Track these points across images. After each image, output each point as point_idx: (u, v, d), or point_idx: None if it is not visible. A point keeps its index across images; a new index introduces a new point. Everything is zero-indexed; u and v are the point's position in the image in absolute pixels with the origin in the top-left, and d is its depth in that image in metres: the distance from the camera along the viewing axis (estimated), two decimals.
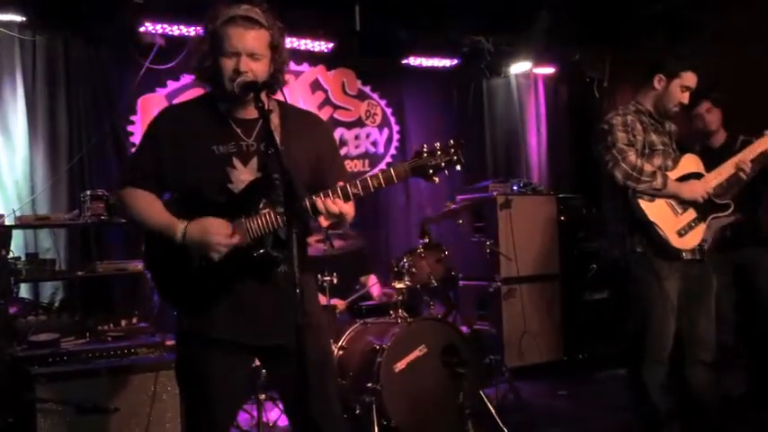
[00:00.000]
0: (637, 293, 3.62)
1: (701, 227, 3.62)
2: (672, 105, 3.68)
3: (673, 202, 3.59)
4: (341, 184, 2.37)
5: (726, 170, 3.70)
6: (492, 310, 6.09)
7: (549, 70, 7.44)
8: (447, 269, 4.96)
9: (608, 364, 6.00)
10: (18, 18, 5.07)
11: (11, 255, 4.67)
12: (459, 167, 2.40)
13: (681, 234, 3.56)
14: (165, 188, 2.52)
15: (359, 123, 6.70)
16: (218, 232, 2.35)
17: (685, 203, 3.60)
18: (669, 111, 3.71)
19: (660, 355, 3.57)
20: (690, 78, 3.66)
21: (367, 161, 6.70)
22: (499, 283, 5.79)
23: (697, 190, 3.59)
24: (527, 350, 6.05)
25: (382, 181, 2.36)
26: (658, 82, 3.68)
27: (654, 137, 3.66)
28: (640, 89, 3.78)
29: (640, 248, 3.56)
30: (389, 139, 6.84)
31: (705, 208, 3.63)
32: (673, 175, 3.62)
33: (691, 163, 3.72)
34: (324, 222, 2.35)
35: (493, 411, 4.42)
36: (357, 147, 6.67)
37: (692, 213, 3.61)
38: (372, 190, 2.37)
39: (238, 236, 2.36)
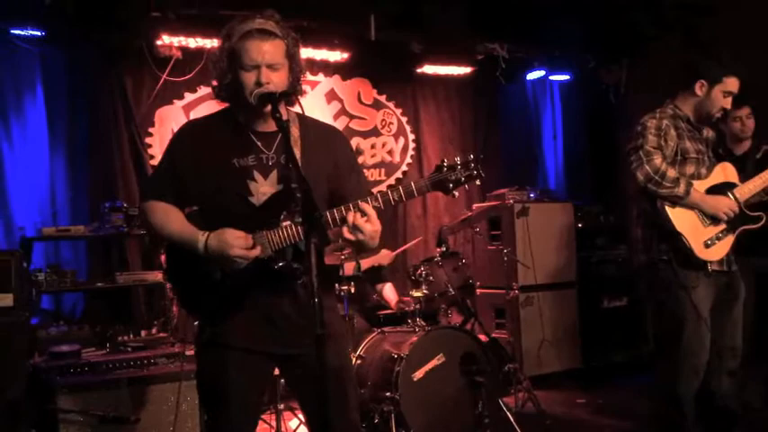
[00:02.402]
0: (668, 305, 3.55)
1: (729, 238, 3.54)
2: (714, 111, 3.60)
3: (700, 212, 3.52)
4: (360, 201, 2.37)
5: (761, 181, 3.59)
6: (510, 318, 6.08)
7: (564, 77, 7.42)
8: (464, 277, 4.96)
9: (626, 371, 5.96)
10: (38, 33, 5.14)
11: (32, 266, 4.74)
12: (478, 182, 2.43)
13: (707, 245, 3.48)
14: (187, 203, 2.55)
15: (374, 132, 6.70)
16: (235, 245, 2.36)
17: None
18: (711, 116, 3.63)
19: (697, 367, 3.50)
20: (733, 83, 3.57)
21: (383, 170, 6.71)
22: (517, 291, 5.77)
23: (720, 206, 3.50)
24: (545, 358, 6.04)
25: (403, 195, 2.38)
26: (700, 88, 3.58)
27: (688, 144, 3.58)
28: (679, 93, 3.67)
29: (666, 257, 3.50)
30: (405, 148, 6.84)
31: (736, 219, 3.54)
32: (704, 183, 3.55)
33: (725, 172, 3.63)
34: (348, 235, 2.36)
35: (512, 420, 4.42)
36: (373, 156, 6.68)
37: (720, 224, 3.53)
38: (393, 203, 2.40)
39: (259, 248, 2.38)
